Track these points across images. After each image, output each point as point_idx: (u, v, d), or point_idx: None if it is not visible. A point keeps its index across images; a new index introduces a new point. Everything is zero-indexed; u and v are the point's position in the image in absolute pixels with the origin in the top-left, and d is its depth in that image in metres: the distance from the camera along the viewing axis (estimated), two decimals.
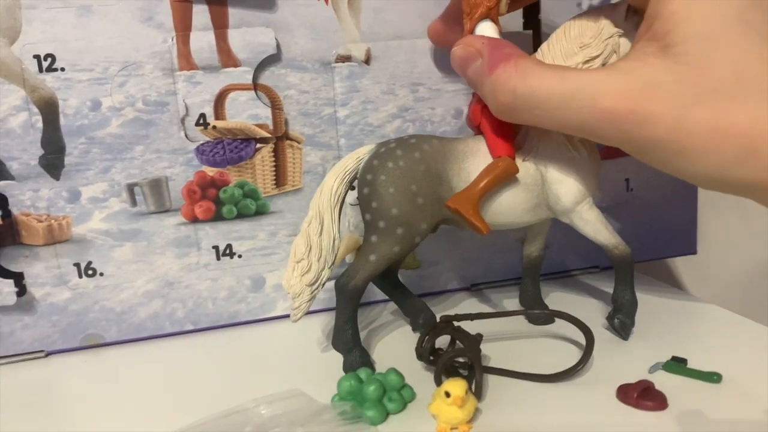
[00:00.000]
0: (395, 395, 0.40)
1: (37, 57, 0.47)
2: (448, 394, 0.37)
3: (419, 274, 0.57)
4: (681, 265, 0.78)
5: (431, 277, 0.58)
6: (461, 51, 0.42)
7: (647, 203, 0.61)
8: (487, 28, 0.43)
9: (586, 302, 0.56)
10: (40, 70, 0.47)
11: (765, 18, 0.33)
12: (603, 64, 0.43)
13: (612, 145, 0.37)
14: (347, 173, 0.46)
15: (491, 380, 0.43)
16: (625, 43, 0.43)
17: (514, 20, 0.53)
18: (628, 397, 0.39)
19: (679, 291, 0.57)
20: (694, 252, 0.63)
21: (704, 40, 0.33)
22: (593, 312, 0.52)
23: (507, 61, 0.39)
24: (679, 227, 0.62)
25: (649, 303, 0.53)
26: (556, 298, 0.57)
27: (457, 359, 0.43)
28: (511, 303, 0.55)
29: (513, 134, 0.45)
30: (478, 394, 0.40)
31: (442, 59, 0.53)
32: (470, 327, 0.45)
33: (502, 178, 0.44)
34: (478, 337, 0.43)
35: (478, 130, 0.46)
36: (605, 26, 0.43)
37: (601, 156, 0.58)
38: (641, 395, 0.39)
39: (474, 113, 0.46)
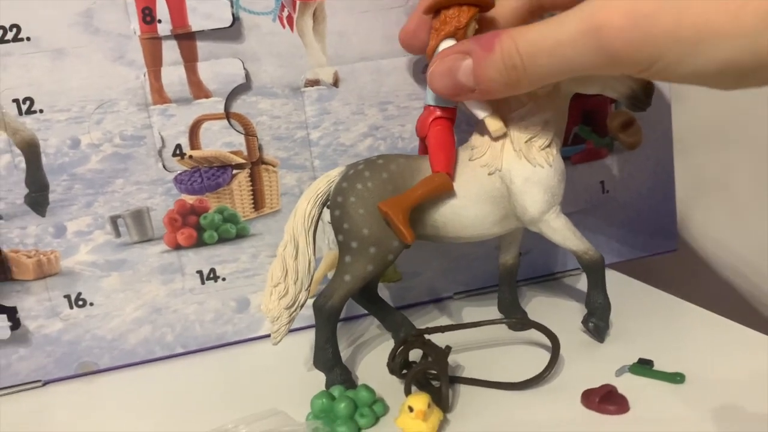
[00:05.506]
0: (366, 411, 0.41)
1: (15, 101, 0.49)
2: (411, 409, 0.38)
3: (401, 285, 0.59)
4: (667, 263, 0.78)
5: (414, 288, 0.59)
6: (442, 64, 0.42)
7: (624, 204, 0.61)
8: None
9: (567, 305, 0.57)
10: (20, 113, 0.49)
11: None
12: None
13: (622, 66, 0.35)
14: (319, 195, 0.47)
15: (461, 390, 0.45)
16: None
17: None
18: (590, 402, 0.40)
19: (656, 290, 0.57)
20: (674, 249, 0.64)
21: None
22: (574, 314, 0.53)
23: (497, 36, 0.39)
24: (658, 225, 0.63)
25: (624, 303, 0.53)
26: (538, 303, 0.58)
27: (430, 371, 0.44)
28: (492, 310, 0.56)
29: (454, 152, 0.46)
30: (445, 405, 0.41)
31: (408, 77, 0.54)
32: (444, 338, 0.46)
33: (435, 192, 0.45)
34: (447, 350, 0.44)
35: (423, 144, 0.47)
36: None
37: (573, 161, 0.59)
38: (603, 399, 0.40)
39: (422, 126, 0.47)
